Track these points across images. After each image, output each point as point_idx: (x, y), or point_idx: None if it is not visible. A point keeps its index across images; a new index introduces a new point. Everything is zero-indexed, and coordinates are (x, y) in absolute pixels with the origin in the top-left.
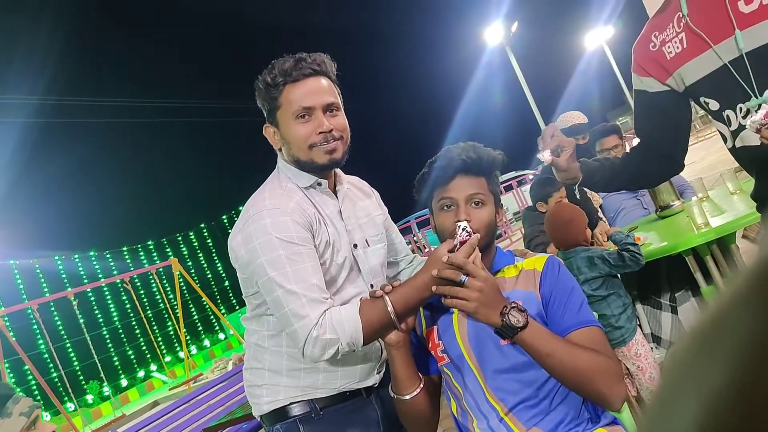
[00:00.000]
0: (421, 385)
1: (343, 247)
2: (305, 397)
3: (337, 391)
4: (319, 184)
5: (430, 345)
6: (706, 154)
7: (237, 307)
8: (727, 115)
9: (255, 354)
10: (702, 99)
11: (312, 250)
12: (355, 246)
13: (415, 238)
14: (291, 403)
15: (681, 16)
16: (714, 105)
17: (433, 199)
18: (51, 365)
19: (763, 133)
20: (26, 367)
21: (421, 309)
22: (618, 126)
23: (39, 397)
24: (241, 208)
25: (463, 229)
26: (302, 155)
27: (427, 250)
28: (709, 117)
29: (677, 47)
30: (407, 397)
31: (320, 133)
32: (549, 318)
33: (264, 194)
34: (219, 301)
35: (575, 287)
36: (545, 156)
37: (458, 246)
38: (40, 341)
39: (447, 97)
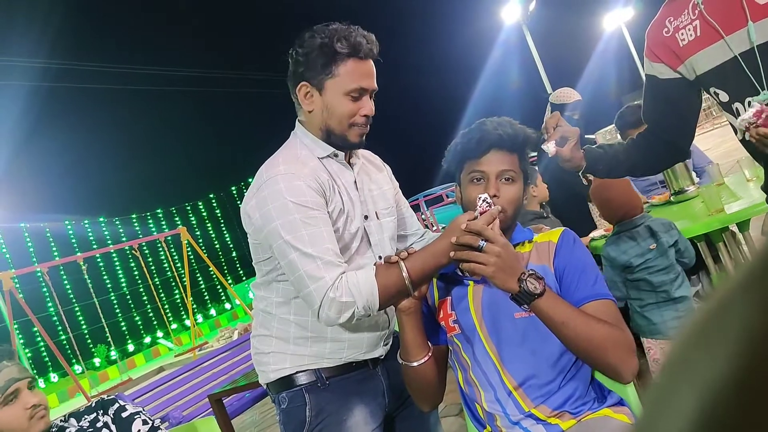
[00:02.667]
0: (430, 353)
1: (357, 217)
2: (312, 366)
3: (344, 361)
4: (336, 155)
5: (441, 315)
6: (722, 141)
7: (244, 278)
8: (736, 108)
9: (263, 321)
10: (712, 89)
11: (326, 215)
12: (366, 218)
13: (423, 216)
14: (297, 372)
15: (696, 3)
16: (724, 96)
17: (462, 171)
18: (60, 328)
19: (752, 131)
20: (35, 328)
21: (434, 279)
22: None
23: (47, 358)
24: (250, 179)
25: (484, 200)
26: (338, 129)
27: (435, 228)
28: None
29: (690, 35)
30: (415, 364)
31: (364, 115)
32: (563, 290)
33: (278, 160)
34: (226, 271)
35: (590, 260)
36: (549, 148)
37: (478, 217)
38: (50, 304)
39: (462, 74)
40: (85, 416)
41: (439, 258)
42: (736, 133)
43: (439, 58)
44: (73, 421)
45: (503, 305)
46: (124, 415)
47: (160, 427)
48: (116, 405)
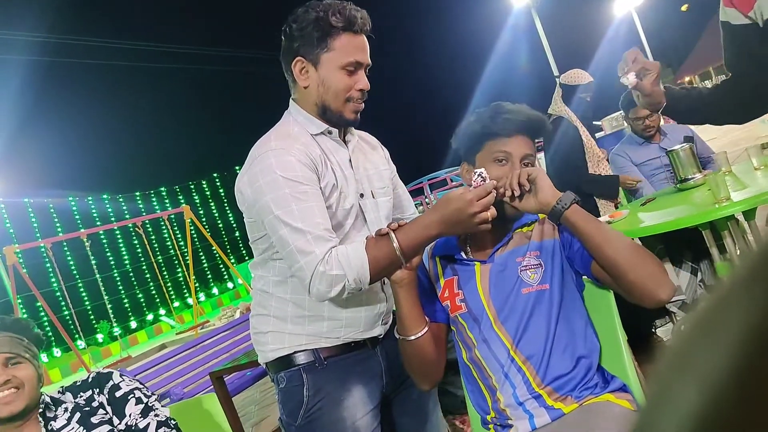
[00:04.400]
0: (427, 327)
1: (351, 195)
2: (310, 345)
3: (342, 340)
4: (330, 132)
5: (447, 294)
6: (729, 130)
7: (246, 258)
8: None
9: (261, 300)
10: None
11: (317, 190)
12: (362, 195)
13: (427, 200)
14: (295, 352)
15: None
16: None
17: (481, 151)
18: (63, 303)
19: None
20: (39, 303)
21: (438, 260)
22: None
23: (50, 333)
24: None
25: (479, 175)
26: (334, 105)
27: None
28: None
29: None
30: (412, 337)
31: (359, 90)
32: (573, 253)
33: (270, 137)
34: (229, 250)
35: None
36: (630, 78)
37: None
38: (53, 279)
39: (469, 58)
40: (81, 393)
41: (429, 230)
42: None
43: (447, 41)
44: (69, 395)
45: (511, 283)
46: (118, 394)
47: (155, 405)
48: (111, 383)
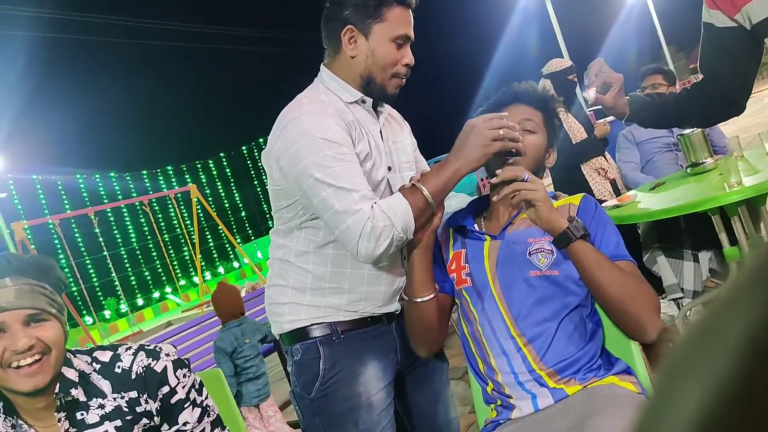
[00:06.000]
0: (435, 293)
1: (382, 166)
2: (327, 319)
3: (360, 314)
4: (363, 102)
5: (454, 266)
6: (738, 117)
7: (252, 238)
8: None
9: (279, 271)
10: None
11: (354, 154)
12: (389, 169)
13: None
14: (312, 324)
15: None
16: None
17: None
18: (71, 279)
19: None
20: None
21: (451, 231)
22: (664, 69)
23: None
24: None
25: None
26: (380, 77)
27: None
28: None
29: None
30: (418, 300)
31: (405, 65)
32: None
33: (301, 100)
34: (235, 230)
35: (611, 224)
36: (590, 95)
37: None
38: (61, 256)
39: (479, 41)
40: (123, 392)
41: (448, 165)
42: None
43: (458, 24)
44: (107, 385)
45: (519, 263)
46: (174, 401)
47: (209, 404)
48: (166, 388)
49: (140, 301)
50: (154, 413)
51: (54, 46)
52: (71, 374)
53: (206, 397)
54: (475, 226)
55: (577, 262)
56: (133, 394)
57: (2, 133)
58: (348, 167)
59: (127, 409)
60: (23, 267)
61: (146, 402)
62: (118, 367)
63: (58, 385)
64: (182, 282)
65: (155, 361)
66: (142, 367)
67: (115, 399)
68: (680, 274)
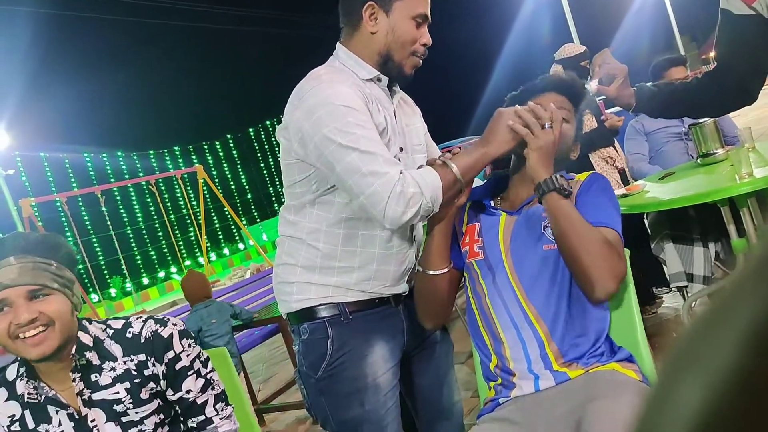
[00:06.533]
0: (449, 268)
1: (396, 144)
2: (335, 299)
3: (368, 295)
4: (379, 80)
5: (467, 239)
6: (754, 107)
7: (258, 220)
8: None
9: (289, 249)
10: None
11: (373, 123)
12: (401, 149)
13: None
14: (321, 304)
15: None
16: None
17: None
18: (78, 256)
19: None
20: None
21: (467, 206)
22: (681, 57)
23: None
24: (268, 122)
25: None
26: (398, 55)
27: None
28: None
29: None
30: (432, 272)
31: (423, 44)
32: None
33: (318, 72)
34: (241, 212)
35: (612, 198)
36: (592, 86)
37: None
38: (68, 233)
39: (491, 27)
40: (132, 355)
41: (476, 148)
42: None
43: (469, 10)
44: (118, 349)
45: (533, 237)
46: (178, 366)
47: (213, 377)
48: (171, 353)
49: (145, 281)
50: (161, 377)
51: (61, 23)
52: (86, 339)
53: (211, 371)
54: (492, 202)
55: (547, 213)
56: (142, 357)
57: (10, 110)
58: (370, 134)
59: (135, 372)
60: (29, 246)
61: (153, 365)
62: (129, 332)
63: (74, 348)
64: (187, 262)
65: (163, 327)
66: (150, 332)
67: (125, 362)
68: (690, 261)
